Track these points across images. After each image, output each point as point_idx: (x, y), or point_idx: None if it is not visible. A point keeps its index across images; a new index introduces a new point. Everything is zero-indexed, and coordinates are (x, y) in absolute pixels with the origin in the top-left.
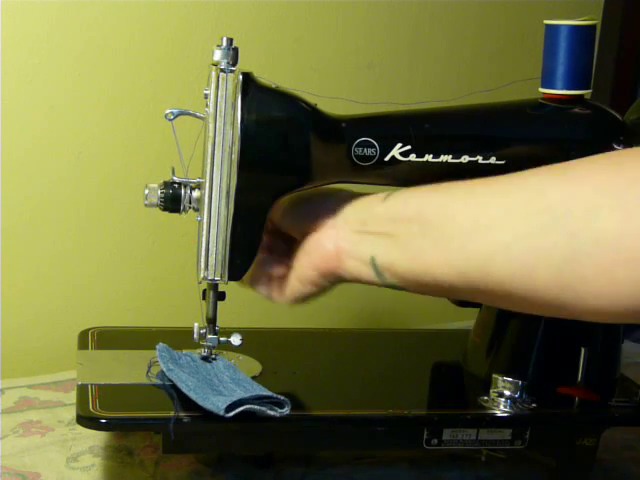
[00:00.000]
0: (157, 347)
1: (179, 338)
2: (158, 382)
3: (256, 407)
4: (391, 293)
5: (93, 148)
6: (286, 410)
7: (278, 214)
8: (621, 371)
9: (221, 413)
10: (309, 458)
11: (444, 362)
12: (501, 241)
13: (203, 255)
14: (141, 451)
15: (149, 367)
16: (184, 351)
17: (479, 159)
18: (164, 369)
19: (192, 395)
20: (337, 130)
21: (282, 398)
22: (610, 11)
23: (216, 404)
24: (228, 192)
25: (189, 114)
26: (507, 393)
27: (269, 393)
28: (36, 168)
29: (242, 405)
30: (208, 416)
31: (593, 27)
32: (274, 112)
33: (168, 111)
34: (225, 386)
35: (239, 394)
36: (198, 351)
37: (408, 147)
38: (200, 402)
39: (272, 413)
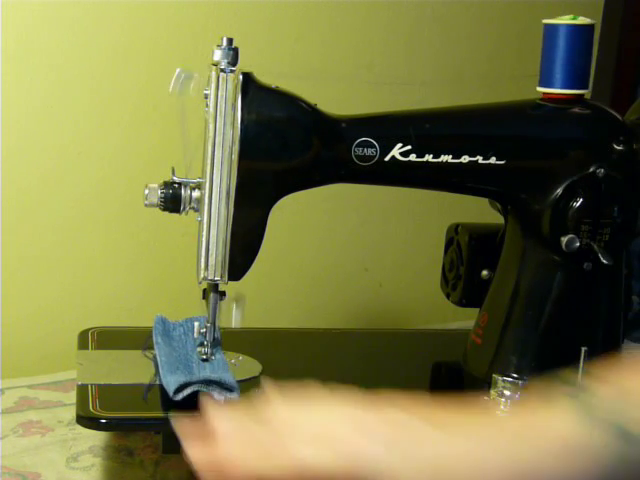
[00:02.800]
0: (155, 319)
1: None
2: (151, 357)
3: (203, 389)
4: (391, 293)
5: (93, 148)
6: (235, 395)
7: None
8: None
9: (171, 396)
10: None
11: (444, 362)
12: None
13: (203, 255)
14: (141, 451)
15: (146, 343)
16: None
17: (479, 159)
18: (154, 342)
19: (160, 371)
20: (337, 130)
21: (231, 382)
22: (610, 11)
23: (168, 386)
24: (228, 192)
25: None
26: (507, 393)
27: (224, 376)
28: (36, 168)
29: (190, 387)
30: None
31: (591, 27)
32: (274, 112)
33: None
34: (197, 362)
35: (199, 374)
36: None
37: (408, 147)
38: (162, 379)
39: (218, 397)
